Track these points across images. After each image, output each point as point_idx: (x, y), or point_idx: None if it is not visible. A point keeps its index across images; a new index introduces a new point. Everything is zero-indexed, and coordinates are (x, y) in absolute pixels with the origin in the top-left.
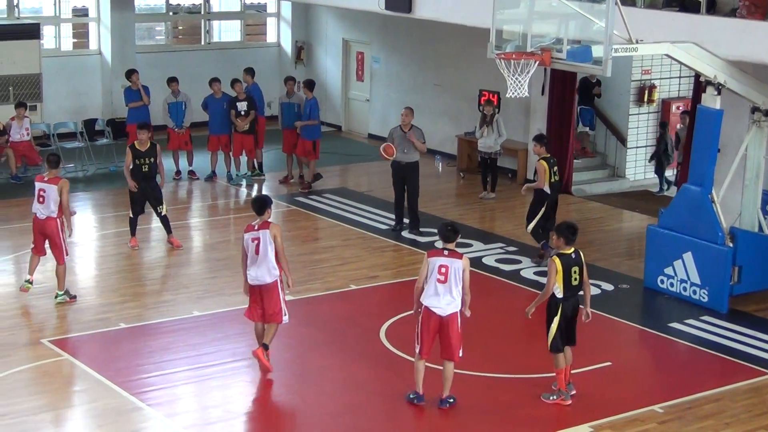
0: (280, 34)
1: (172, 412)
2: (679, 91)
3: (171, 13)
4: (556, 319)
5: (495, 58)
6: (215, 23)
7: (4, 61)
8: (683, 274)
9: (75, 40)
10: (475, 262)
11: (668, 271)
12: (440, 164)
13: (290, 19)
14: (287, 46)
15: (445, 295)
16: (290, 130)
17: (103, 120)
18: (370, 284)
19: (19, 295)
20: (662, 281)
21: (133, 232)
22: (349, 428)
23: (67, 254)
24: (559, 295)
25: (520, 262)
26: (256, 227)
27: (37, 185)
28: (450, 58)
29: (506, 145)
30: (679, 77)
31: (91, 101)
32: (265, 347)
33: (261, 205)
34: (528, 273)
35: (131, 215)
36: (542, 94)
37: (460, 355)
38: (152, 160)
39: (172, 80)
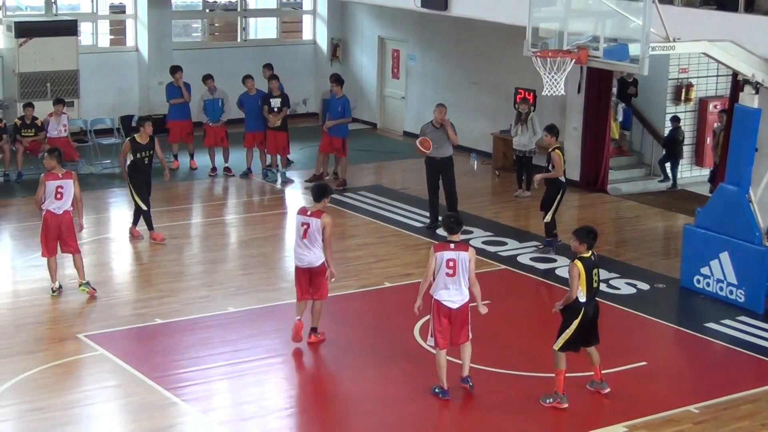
0: (315, 31)
1: (207, 408)
2: (716, 89)
3: (207, 10)
4: (575, 323)
5: (531, 56)
6: (251, 20)
7: (42, 57)
8: (720, 273)
9: (112, 37)
10: (510, 260)
11: (704, 270)
12: (475, 162)
13: (326, 16)
14: (323, 43)
15: (455, 287)
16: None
17: (140, 116)
18: (405, 282)
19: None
20: (698, 281)
21: (150, 225)
22: (383, 425)
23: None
24: (582, 299)
25: (555, 260)
26: (309, 213)
27: (54, 183)
28: (486, 56)
29: (542, 143)
30: (717, 76)
31: (127, 98)
32: (314, 330)
33: (320, 192)
34: (563, 272)
35: (144, 207)
36: (578, 92)
37: (470, 335)
38: (151, 152)
39: (207, 77)
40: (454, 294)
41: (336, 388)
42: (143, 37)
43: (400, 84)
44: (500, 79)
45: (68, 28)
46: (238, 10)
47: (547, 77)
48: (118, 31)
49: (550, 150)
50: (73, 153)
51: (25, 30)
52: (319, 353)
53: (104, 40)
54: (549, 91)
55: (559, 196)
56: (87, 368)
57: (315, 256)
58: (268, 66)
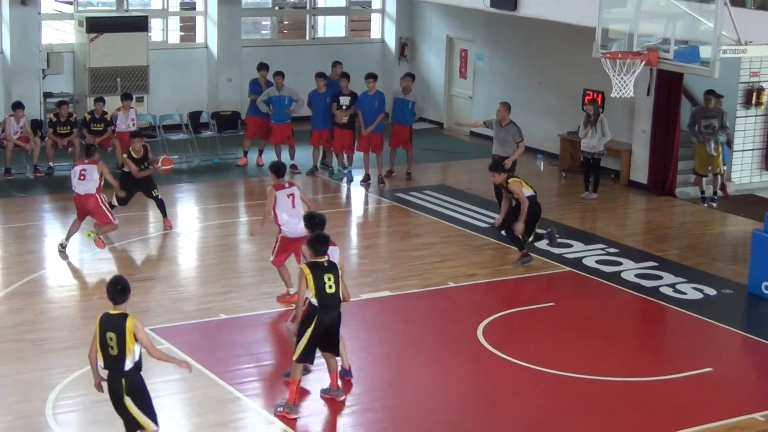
0: (384, 30)
1: (269, 404)
2: None
3: (277, 8)
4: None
5: (600, 57)
6: (320, 18)
7: (113, 53)
8: None
9: (182, 34)
10: (575, 263)
11: None
12: (542, 163)
13: (394, 15)
14: (391, 42)
15: None
16: (401, 125)
17: (208, 113)
18: (469, 282)
19: None
20: (767, 287)
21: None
22: (445, 426)
23: (114, 218)
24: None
25: (621, 263)
26: (286, 185)
27: (79, 167)
28: (554, 57)
29: (610, 145)
30: None
31: (196, 94)
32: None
33: (284, 168)
34: (629, 275)
35: (117, 203)
36: (647, 94)
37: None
38: (147, 163)
39: (277, 74)
40: None
41: (399, 386)
42: (213, 34)
43: (468, 84)
44: (568, 80)
45: (139, 24)
46: (307, 8)
47: (617, 79)
48: (188, 27)
49: (504, 185)
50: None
51: (96, 25)
52: (382, 352)
53: (174, 36)
54: (618, 93)
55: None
56: (151, 361)
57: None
58: (339, 64)
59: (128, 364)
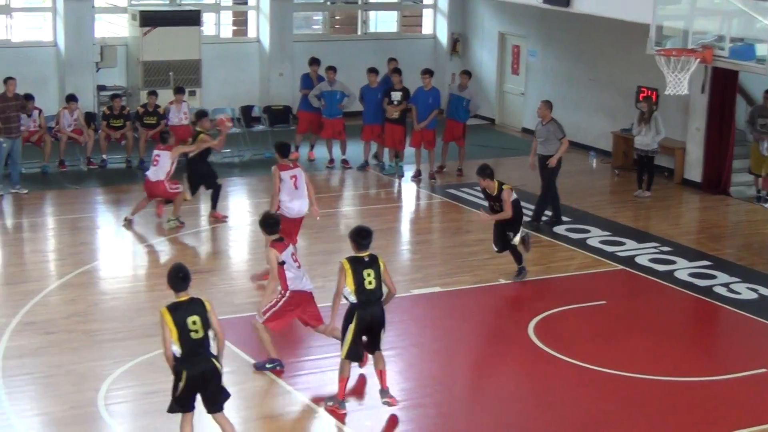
0: (436, 25)
1: (319, 398)
2: None
3: (329, 3)
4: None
5: (655, 54)
6: (372, 14)
7: (166, 46)
8: None
9: (234, 28)
10: (628, 261)
11: None
12: (594, 160)
13: (446, 10)
14: (443, 37)
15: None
16: (456, 121)
17: (260, 107)
18: (520, 279)
19: None
20: None
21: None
22: (495, 423)
23: (180, 188)
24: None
25: (674, 262)
26: (291, 165)
27: (155, 152)
28: (608, 54)
29: (664, 143)
30: None
31: (248, 88)
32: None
33: (288, 148)
34: (682, 274)
35: (189, 196)
36: (702, 92)
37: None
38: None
39: (329, 69)
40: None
41: (449, 383)
42: (265, 28)
43: (520, 80)
44: (621, 76)
45: (192, 18)
46: (359, 3)
47: (671, 76)
48: (240, 22)
49: (495, 194)
50: None
51: (149, 19)
52: (432, 348)
53: (226, 30)
54: (672, 91)
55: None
56: None
57: (305, 205)
58: (394, 60)
59: (212, 345)
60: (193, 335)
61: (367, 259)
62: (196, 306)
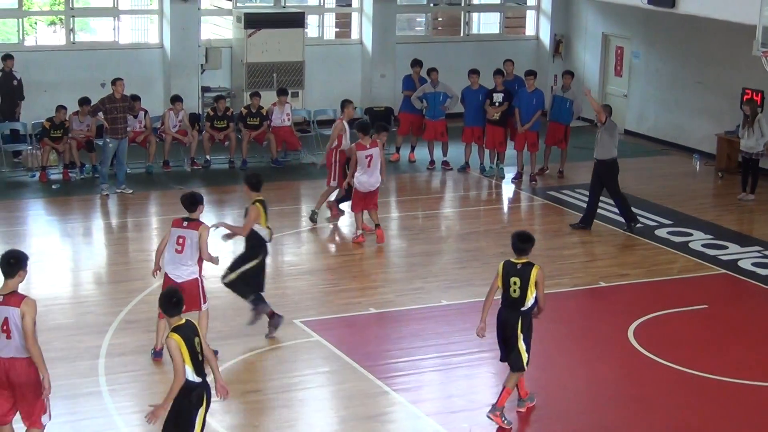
0: (539, 26)
1: (417, 399)
2: None
3: (431, 5)
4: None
5: (760, 55)
6: (474, 15)
7: (270, 48)
8: None
9: (337, 30)
10: (731, 265)
11: None
12: (698, 163)
13: (550, 12)
14: (546, 39)
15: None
16: (559, 123)
17: (362, 108)
18: (620, 282)
19: (279, 276)
20: None
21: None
22: (594, 427)
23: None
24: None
25: None
26: (367, 146)
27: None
28: (713, 55)
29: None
30: None
31: (350, 90)
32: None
33: (369, 126)
34: None
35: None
36: None
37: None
38: None
39: (432, 70)
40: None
41: (546, 386)
42: (368, 30)
43: (623, 81)
44: (726, 78)
45: (296, 20)
46: (462, 5)
47: None
48: (343, 24)
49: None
50: (296, 142)
51: (254, 21)
52: (531, 351)
53: (330, 32)
54: None
55: (257, 261)
56: (302, 353)
57: (377, 180)
58: (508, 60)
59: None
60: (199, 356)
61: (519, 267)
62: (194, 328)
